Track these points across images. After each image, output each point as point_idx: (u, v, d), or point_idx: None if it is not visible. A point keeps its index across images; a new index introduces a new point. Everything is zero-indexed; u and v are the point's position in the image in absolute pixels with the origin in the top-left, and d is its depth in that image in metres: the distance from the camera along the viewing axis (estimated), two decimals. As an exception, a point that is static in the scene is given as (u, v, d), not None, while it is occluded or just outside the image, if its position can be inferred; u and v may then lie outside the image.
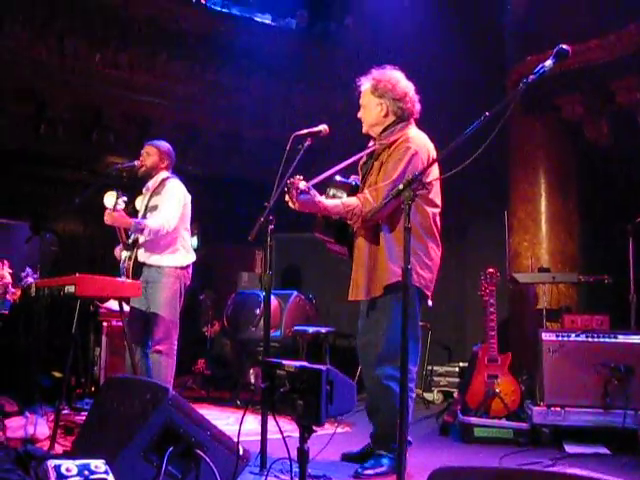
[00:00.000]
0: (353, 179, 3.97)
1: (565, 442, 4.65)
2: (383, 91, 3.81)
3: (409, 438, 3.70)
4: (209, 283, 8.57)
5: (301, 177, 3.53)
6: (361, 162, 3.97)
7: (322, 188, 3.76)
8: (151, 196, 5.03)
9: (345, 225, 3.85)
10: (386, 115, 3.83)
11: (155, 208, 4.94)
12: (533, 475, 1.50)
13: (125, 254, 4.89)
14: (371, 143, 3.95)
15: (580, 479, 1.47)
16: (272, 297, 6.42)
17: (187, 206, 5.04)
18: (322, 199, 3.65)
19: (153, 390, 2.99)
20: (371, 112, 3.86)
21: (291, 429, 3.03)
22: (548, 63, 2.89)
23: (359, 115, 3.93)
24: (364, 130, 3.92)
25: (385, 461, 3.71)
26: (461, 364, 6.73)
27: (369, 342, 3.83)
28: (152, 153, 5.10)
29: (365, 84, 3.89)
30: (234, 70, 8.26)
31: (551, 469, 3.99)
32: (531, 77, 2.88)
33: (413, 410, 3.81)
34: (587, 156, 6.70)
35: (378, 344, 3.73)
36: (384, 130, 3.84)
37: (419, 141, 3.77)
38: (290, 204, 3.57)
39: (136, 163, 5.09)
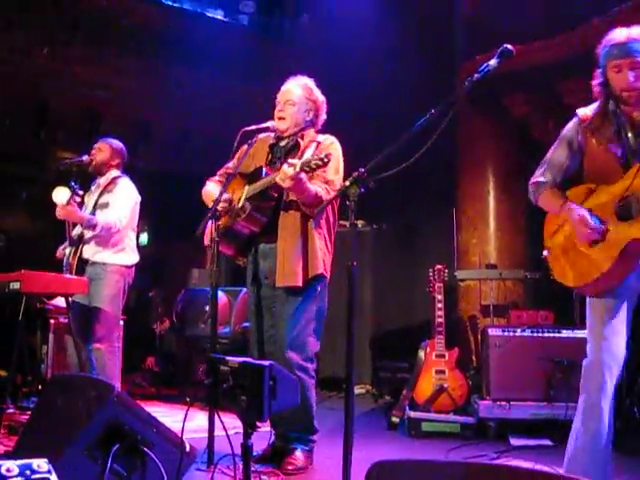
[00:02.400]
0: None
1: (510, 435, 4.74)
2: (315, 98, 3.97)
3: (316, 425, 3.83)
4: (160, 280, 8.52)
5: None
6: (251, 151, 3.96)
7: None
8: (101, 193, 5.00)
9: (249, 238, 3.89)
10: (307, 119, 3.95)
11: (106, 205, 4.92)
12: (469, 467, 1.53)
13: (69, 250, 4.85)
14: (265, 135, 4.02)
15: (511, 471, 1.51)
16: (221, 293, 6.45)
17: (137, 206, 5.03)
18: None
19: (98, 388, 2.96)
20: (300, 113, 3.94)
21: (240, 425, 3.03)
22: (492, 62, 2.91)
23: (284, 111, 3.93)
24: (285, 127, 3.92)
25: (300, 454, 3.74)
26: (410, 360, 6.81)
27: (279, 329, 3.82)
28: (104, 149, 5.08)
29: (297, 86, 3.97)
30: (185, 65, 8.19)
31: (495, 462, 4.07)
32: (476, 76, 2.89)
33: (315, 400, 3.86)
34: (534, 155, 6.80)
35: (290, 333, 3.74)
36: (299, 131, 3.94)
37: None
38: (286, 179, 3.51)
39: (84, 158, 5.06)
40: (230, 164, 4.05)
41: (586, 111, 3.04)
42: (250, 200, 3.78)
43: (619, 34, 2.91)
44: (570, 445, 2.99)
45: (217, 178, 4.11)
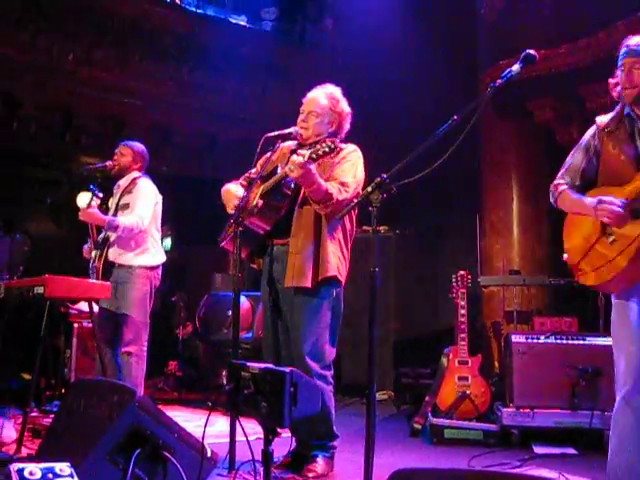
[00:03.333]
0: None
1: (534, 443, 4.69)
2: (340, 110, 3.93)
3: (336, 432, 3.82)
4: (182, 285, 8.54)
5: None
6: (274, 158, 3.94)
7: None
8: (122, 194, 5.02)
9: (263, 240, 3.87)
10: (330, 130, 3.92)
11: (126, 206, 4.94)
12: (490, 477, 1.52)
13: (95, 253, 4.88)
14: (290, 143, 3.98)
15: (529, 478, 1.49)
16: (244, 299, 6.45)
17: (158, 205, 5.04)
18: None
19: (120, 392, 2.98)
20: (324, 125, 3.90)
21: (261, 431, 3.03)
22: (515, 67, 2.92)
23: (307, 122, 3.90)
24: (306, 137, 3.89)
25: (321, 461, 3.72)
26: (432, 366, 6.77)
27: (293, 334, 3.78)
28: (126, 153, 5.10)
29: (322, 96, 3.94)
30: (209, 71, 8.25)
31: (519, 470, 4.04)
32: (499, 81, 2.91)
33: (335, 406, 3.86)
34: (558, 160, 6.75)
35: (307, 341, 3.70)
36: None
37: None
38: (295, 168, 3.49)
39: (108, 164, 5.10)
40: (253, 170, 4.03)
41: (603, 118, 3.10)
42: (263, 197, 3.76)
43: (634, 38, 2.98)
44: (612, 440, 2.97)
45: (240, 181, 4.10)
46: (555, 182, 3.22)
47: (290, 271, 3.72)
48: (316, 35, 8.81)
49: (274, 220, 3.78)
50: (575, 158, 3.16)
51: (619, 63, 3.00)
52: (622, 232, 2.88)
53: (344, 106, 3.96)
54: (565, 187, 3.15)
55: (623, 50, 2.98)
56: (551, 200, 3.25)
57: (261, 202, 3.74)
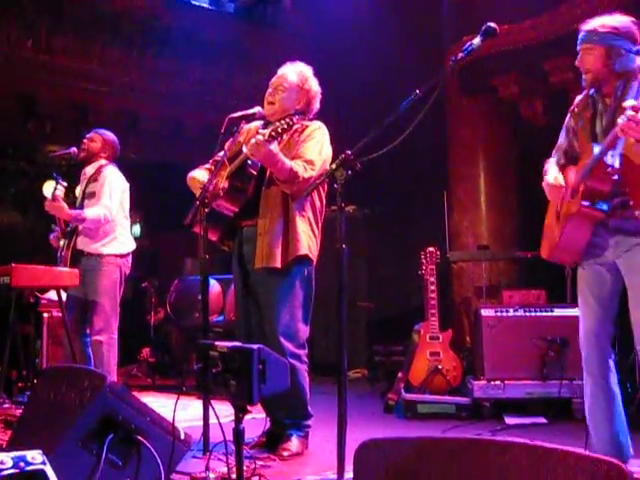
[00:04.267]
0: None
1: (505, 414, 4.77)
2: (308, 87, 3.90)
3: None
4: (153, 270, 8.50)
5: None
6: (240, 139, 3.91)
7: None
8: (88, 182, 4.98)
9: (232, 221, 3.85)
10: (298, 107, 3.89)
11: (92, 195, 4.90)
12: (452, 442, 1.55)
13: (63, 242, 4.84)
14: (257, 123, 3.97)
15: (493, 442, 1.52)
16: (214, 282, 6.44)
17: (125, 193, 5.00)
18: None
19: (90, 378, 2.95)
20: (290, 100, 3.88)
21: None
22: (476, 41, 2.94)
23: (273, 96, 3.88)
24: (272, 112, 3.87)
25: (296, 440, 3.74)
26: (404, 343, 6.83)
27: (266, 315, 3.78)
28: (96, 140, 5.07)
29: (292, 72, 3.91)
30: (172, 55, 8.16)
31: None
32: (460, 55, 2.92)
33: (310, 385, 3.87)
34: (524, 134, 6.82)
35: (280, 321, 3.70)
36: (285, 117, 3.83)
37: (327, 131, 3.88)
38: (254, 148, 3.48)
39: (72, 150, 5.04)
40: (221, 153, 4.00)
41: (577, 98, 3.21)
42: (229, 178, 3.74)
43: (589, 22, 3.03)
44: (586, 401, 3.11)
45: (206, 166, 4.07)
46: (546, 159, 3.32)
47: (260, 252, 3.70)
48: (276, 15, 8.76)
49: (242, 202, 3.75)
50: (560, 138, 3.28)
51: (578, 48, 3.06)
52: (563, 210, 3.04)
53: (313, 84, 3.93)
54: (550, 164, 3.24)
55: (580, 36, 3.04)
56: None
57: (227, 184, 3.72)
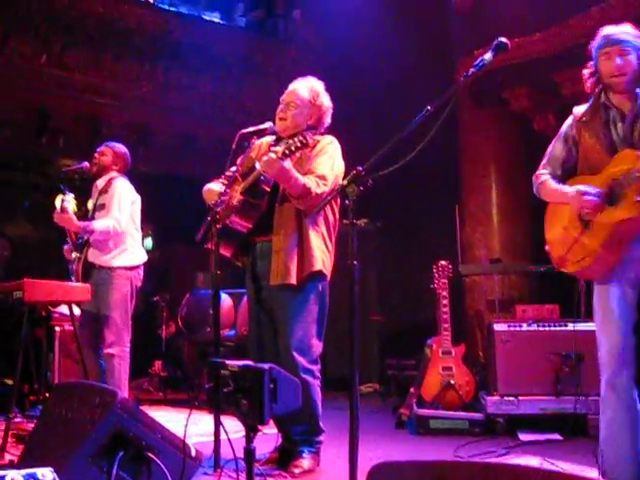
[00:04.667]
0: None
1: (519, 430, 4.72)
2: (320, 103, 3.90)
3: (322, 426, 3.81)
4: (165, 284, 8.50)
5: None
6: (252, 154, 3.93)
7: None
8: (99, 195, 5.00)
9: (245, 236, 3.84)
10: (310, 123, 3.88)
11: (103, 207, 4.92)
12: (469, 466, 1.52)
13: (75, 255, 4.85)
14: (269, 138, 3.97)
15: (512, 468, 1.49)
16: (225, 296, 6.43)
17: (136, 205, 5.01)
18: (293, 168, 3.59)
19: (101, 395, 2.95)
20: (302, 116, 3.87)
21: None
22: (487, 56, 2.92)
23: (285, 112, 3.87)
24: (284, 128, 3.87)
25: (307, 456, 3.72)
26: (416, 358, 6.79)
27: (280, 330, 3.77)
28: (107, 153, 5.09)
29: (304, 88, 3.91)
30: (184, 69, 8.19)
31: (504, 457, 4.06)
32: (471, 70, 2.90)
33: (322, 400, 3.84)
34: (536, 148, 6.78)
35: (294, 336, 3.69)
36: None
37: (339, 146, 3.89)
38: (267, 165, 3.48)
39: (84, 165, 5.06)
40: (233, 168, 3.99)
41: (580, 108, 3.16)
42: (242, 194, 3.73)
43: (609, 28, 3.03)
44: (601, 425, 3.02)
45: (220, 180, 4.07)
46: (537, 172, 3.26)
47: (275, 269, 3.70)
48: (287, 29, 8.78)
49: (255, 218, 3.75)
50: (555, 148, 3.21)
51: (597, 53, 3.03)
52: (598, 219, 2.94)
53: (325, 100, 3.92)
54: (546, 177, 3.20)
55: (601, 41, 3.01)
56: (534, 190, 3.30)
57: (241, 199, 3.72)
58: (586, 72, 3.11)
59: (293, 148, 3.43)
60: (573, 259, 3.06)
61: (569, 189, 3.04)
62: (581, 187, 2.98)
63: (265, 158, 3.49)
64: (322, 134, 3.92)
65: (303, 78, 3.98)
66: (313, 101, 3.88)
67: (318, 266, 3.70)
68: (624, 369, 2.95)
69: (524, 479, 1.44)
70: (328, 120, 3.96)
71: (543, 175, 3.21)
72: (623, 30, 2.99)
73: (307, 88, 3.91)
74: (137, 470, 2.84)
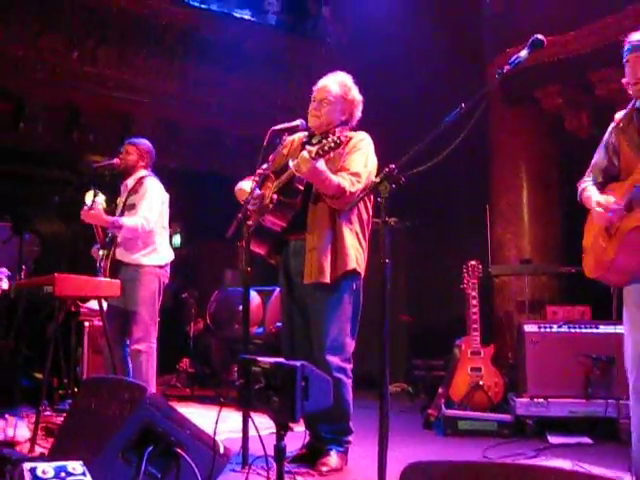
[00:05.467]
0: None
1: (549, 433, 4.67)
2: (352, 98, 3.89)
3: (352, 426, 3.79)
4: (193, 281, 8.53)
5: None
6: (284, 151, 3.93)
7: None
8: (129, 194, 5.01)
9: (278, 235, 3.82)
10: (342, 118, 3.87)
11: (133, 207, 4.92)
12: (504, 467, 1.49)
13: (102, 252, 4.87)
14: (301, 134, 3.96)
15: (551, 471, 1.46)
16: (254, 294, 6.44)
17: (165, 204, 5.02)
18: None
19: (131, 390, 2.96)
20: (335, 112, 3.86)
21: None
22: (523, 53, 2.90)
23: (319, 110, 3.86)
24: (317, 125, 3.85)
25: (335, 455, 3.70)
26: (445, 358, 6.74)
27: (314, 329, 3.76)
28: (131, 152, 5.07)
29: (335, 84, 3.89)
30: (214, 66, 8.21)
31: (534, 460, 4.01)
32: (506, 67, 2.88)
33: (352, 399, 3.82)
34: (568, 146, 6.72)
35: (329, 335, 3.68)
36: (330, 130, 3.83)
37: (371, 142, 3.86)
38: (301, 165, 3.47)
39: (115, 161, 5.08)
40: (264, 165, 3.97)
41: (620, 114, 3.13)
42: (276, 193, 3.72)
43: (636, 34, 3.00)
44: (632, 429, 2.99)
45: (252, 178, 4.06)
46: (580, 181, 3.25)
47: (308, 268, 3.70)
48: (316, 27, 8.78)
49: (290, 217, 3.74)
50: (598, 156, 3.20)
51: (624, 60, 3.01)
52: (617, 225, 2.93)
53: (355, 94, 3.91)
54: (587, 184, 3.17)
55: (626, 47, 2.99)
56: (578, 198, 3.27)
57: (275, 198, 3.71)
58: (624, 81, 3.07)
59: (327, 148, 3.40)
60: (595, 263, 3.08)
61: (595, 198, 3.03)
62: (601, 198, 2.98)
63: (299, 157, 3.48)
64: (353, 129, 3.91)
65: (332, 73, 3.97)
66: (345, 96, 3.87)
67: (352, 265, 3.68)
68: None
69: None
70: (359, 114, 3.94)
71: (583, 182, 3.19)
72: None
73: (338, 83, 3.89)
74: (166, 465, 2.84)
